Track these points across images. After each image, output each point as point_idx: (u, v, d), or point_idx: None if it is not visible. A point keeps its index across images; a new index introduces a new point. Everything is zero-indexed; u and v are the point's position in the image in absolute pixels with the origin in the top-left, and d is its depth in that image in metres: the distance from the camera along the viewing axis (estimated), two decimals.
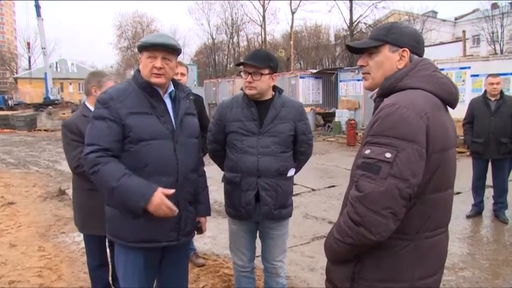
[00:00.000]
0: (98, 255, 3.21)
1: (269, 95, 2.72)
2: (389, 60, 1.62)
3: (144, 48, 2.19)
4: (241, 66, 2.72)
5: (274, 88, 2.76)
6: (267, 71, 2.61)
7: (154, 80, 2.17)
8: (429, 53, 13.66)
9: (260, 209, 2.68)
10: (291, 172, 2.77)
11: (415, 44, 1.64)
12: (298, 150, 2.81)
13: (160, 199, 1.99)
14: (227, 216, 2.89)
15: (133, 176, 2.04)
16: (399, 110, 1.43)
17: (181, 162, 2.23)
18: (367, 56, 1.69)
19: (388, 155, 1.40)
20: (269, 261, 2.87)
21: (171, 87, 2.31)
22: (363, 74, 1.72)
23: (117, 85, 2.33)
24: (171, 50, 2.20)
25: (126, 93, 2.18)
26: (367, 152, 1.46)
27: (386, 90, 1.59)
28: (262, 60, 2.60)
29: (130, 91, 2.19)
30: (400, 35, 1.63)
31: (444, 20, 44.40)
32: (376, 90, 1.66)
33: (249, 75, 2.61)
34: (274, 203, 2.67)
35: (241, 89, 2.73)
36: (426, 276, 1.57)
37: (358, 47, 1.72)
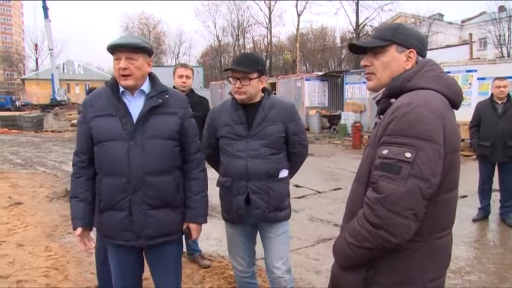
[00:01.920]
0: (103, 252, 3.25)
1: (258, 97, 2.70)
2: (397, 60, 1.61)
3: (111, 51, 2.23)
4: (229, 71, 2.68)
5: (263, 90, 2.74)
6: (255, 75, 2.60)
7: (122, 82, 2.23)
8: (436, 56, 13.62)
9: (252, 212, 2.65)
10: (283, 173, 2.73)
11: (420, 46, 1.64)
12: (292, 151, 2.77)
13: (77, 236, 2.36)
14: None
15: (77, 202, 2.34)
16: (416, 109, 1.42)
17: (135, 164, 2.19)
18: (371, 56, 1.66)
19: (408, 154, 1.38)
20: (270, 266, 2.79)
21: (144, 86, 2.30)
22: (367, 74, 1.69)
23: (96, 89, 2.48)
24: (133, 49, 2.19)
25: (98, 97, 2.32)
26: (385, 152, 1.43)
27: (394, 90, 1.57)
28: (250, 64, 2.58)
29: (103, 95, 2.31)
30: (407, 36, 1.62)
31: (451, 23, 44.23)
32: (381, 91, 1.65)
33: (238, 81, 2.59)
34: (267, 205, 2.64)
35: (230, 93, 2.72)
36: (436, 278, 1.56)
37: (363, 46, 1.68)
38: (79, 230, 2.31)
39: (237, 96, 2.64)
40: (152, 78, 2.35)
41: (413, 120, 1.41)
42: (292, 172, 2.86)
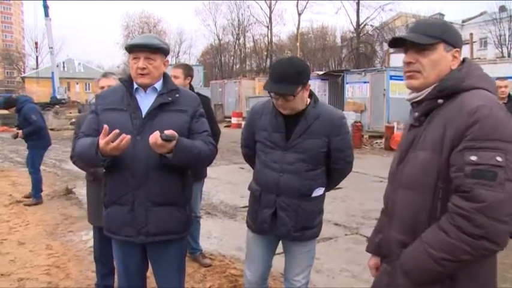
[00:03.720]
0: (98, 245, 3.29)
1: (303, 105, 2.39)
2: (445, 59, 1.54)
3: (129, 50, 2.27)
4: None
5: (310, 95, 2.43)
6: (299, 88, 2.27)
7: (139, 80, 2.26)
8: None
9: (277, 228, 2.43)
10: (318, 192, 2.48)
11: (461, 46, 1.60)
12: (333, 167, 2.51)
13: (102, 140, 2.06)
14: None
15: (90, 139, 2.22)
16: (493, 111, 1.39)
17: (140, 159, 2.18)
18: (414, 52, 1.55)
19: (499, 158, 1.34)
20: (288, 278, 2.57)
21: (157, 85, 2.33)
22: (411, 72, 1.57)
23: (112, 86, 2.62)
24: (153, 49, 2.23)
25: (112, 92, 2.40)
26: (474, 158, 1.36)
27: (448, 90, 1.50)
28: (292, 81, 2.25)
29: (118, 90, 2.37)
30: (454, 35, 1.57)
31: (451, 23, 44.10)
32: (425, 91, 1.56)
33: (280, 97, 2.30)
34: (293, 224, 2.40)
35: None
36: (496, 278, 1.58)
37: (413, 41, 1.54)
38: (100, 138, 2.08)
39: (282, 111, 2.37)
40: (165, 77, 2.39)
41: (495, 123, 1.37)
42: (329, 187, 2.64)
